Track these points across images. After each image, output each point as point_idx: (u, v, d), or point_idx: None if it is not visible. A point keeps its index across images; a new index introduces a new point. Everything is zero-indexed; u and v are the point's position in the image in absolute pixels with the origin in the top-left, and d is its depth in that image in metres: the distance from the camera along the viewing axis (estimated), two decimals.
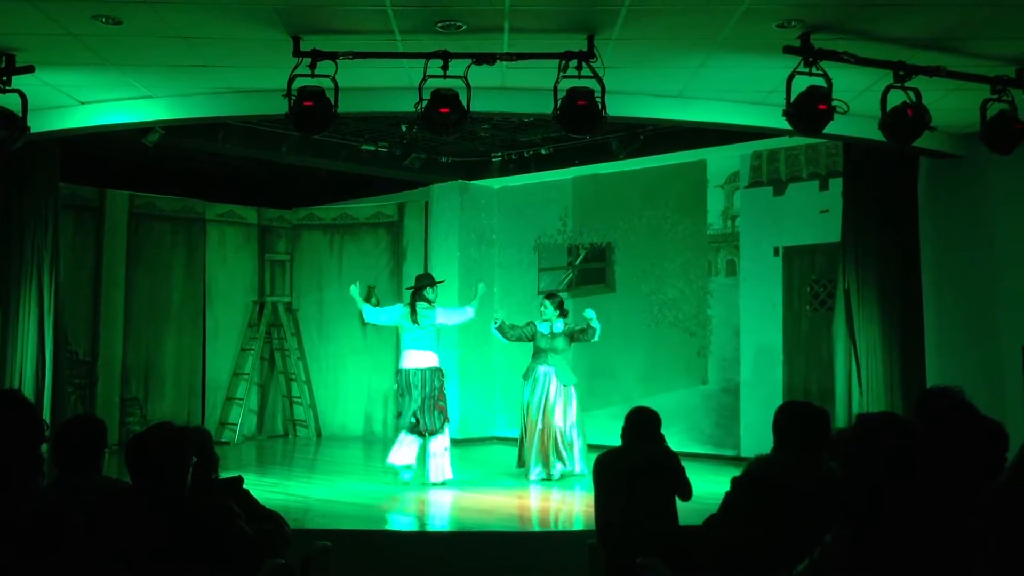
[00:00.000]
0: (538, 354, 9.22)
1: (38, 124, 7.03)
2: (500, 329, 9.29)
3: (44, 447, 3.62)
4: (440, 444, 8.69)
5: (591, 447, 9.09)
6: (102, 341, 10.95)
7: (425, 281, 8.89)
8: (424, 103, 5.88)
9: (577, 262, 11.76)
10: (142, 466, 3.27)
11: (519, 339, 9.30)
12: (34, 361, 7.90)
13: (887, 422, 2.29)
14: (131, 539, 3.16)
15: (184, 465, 3.30)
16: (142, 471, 3.28)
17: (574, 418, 9.15)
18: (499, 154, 11.35)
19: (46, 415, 7.68)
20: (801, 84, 5.85)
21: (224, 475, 4.31)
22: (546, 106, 6.01)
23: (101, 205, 11.11)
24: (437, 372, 8.71)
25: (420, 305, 8.69)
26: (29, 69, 6.24)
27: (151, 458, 3.27)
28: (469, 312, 9.02)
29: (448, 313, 9.01)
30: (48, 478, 3.78)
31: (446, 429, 8.74)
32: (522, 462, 9.21)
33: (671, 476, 5.15)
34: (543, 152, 10.95)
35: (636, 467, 5.10)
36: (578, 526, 7.19)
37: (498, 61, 5.88)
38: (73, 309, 10.09)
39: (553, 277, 11.93)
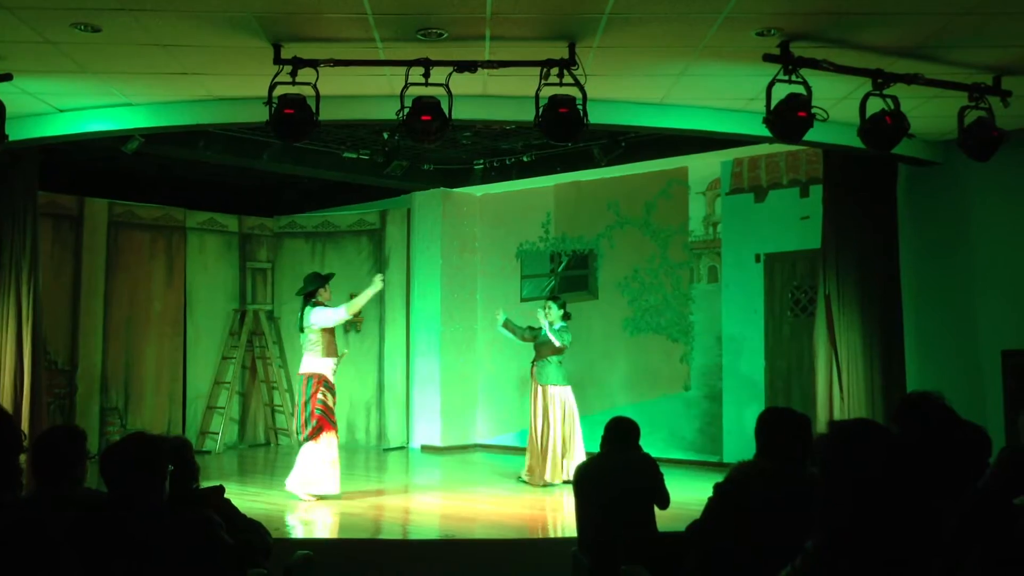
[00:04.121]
0: (535, 353, 9.46)
1: (16, 132, 7.00)
2: (507, 327, 9.56)
3: (22, 458, 3.60)
4: (305, 456, 8.22)
5: None
6: (81, 350, 10.87)
7: (315, 283, 8.52)
8: (406, 111, 5.88)
9: (560, 269, 11.77)
10: (117, 476, 3.24)
11: (531, 339, 9.49)
12: (12, 371, 7.83)
13: (860, 430, 2.30)
14: (109, 550, 3.13)
15: (160, 474, 3.27)
16: (117, 481, 3.24)
17: (556, 422, 9.16)
18: (481, 161, 11.36)
19: (24, 425, 7.60)
20: (781, 92, 5.89)
21: (205, 484, 4.28)
22: (528, 114, 6.02)
23: (80, 213, 11.03)
24: (311, 378, 8.27)
25: (307, 308, 8.39)
26: (7, 77, 6.21)
27: (125, 468, 3.24)
28: (342, 312, 8.39)
29: (321, 313, 8.37)
30: (26, 489, 3.75)
31: (322, 441, 8.18)
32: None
33: (650, 484, 5.16)
34: (525, 159, 10.96)
35: (616, 475, 5.11)
36: (561, 533, 7.19)
37: (480, 69, 5.89)
38: (52, 318, 10.01)
39: (536, 284, 11.94)
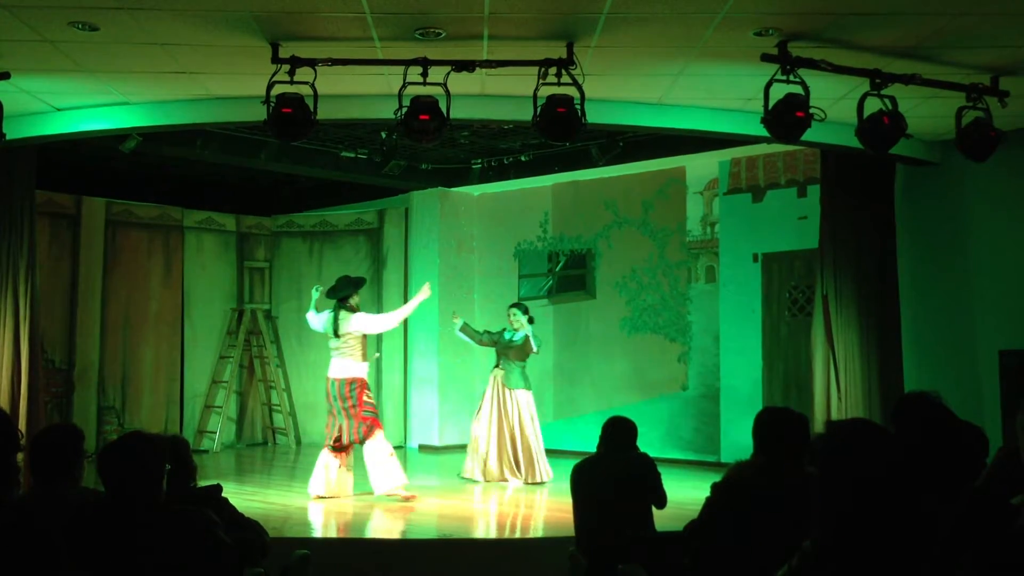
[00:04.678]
0: (496, 357, 9.50)
1: (14, 131, 6.98)
2: (465, 331, 9.54)
3: (20, 456, 3.59)
4: (375, 453, 8.19)
5: (571, 454, 9.12)
6: (79, 349, 10.86)
7: (349, 287, 8.47)
8: (404, 110, 5.88)
9: (557, 269, 11.77)
10: (114, 475, 3.24)
11: (490, 343, 9.52)
12: (10, 370, 7.81)
13: (857, 429, 2.30)
14: (106, 550, 3.13)
15: (157, 473, 3.27)
16: (114, 480, 3.24)
17: (529, 425, 9.24)
18: (479, 161, 11.36)
19: (22, 424, 7.60)
20: (779, 92, 5.89)
21: (203, 483, 4.28)
22: (526, 113, 6.02)
23: (78, 212, 11.02)
24: (352, 383, 8.22)
25: (342, 312, 8.32)
26: (5, 75, 6.21)
27: (123, 467, 3.23)
28: (391, 320, 8.61)
29: (366, 319, 8.44)
30: (24, 487, 3.74)
31: (377, 436, 8.20)
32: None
33: (648, 484, 5.16)
34: (523, 159, 10.96)
35: (614, 475, 5.11)
36: (558, 533, 7.18)
37: (478, 68, 5.88)
38: (49, 317, 10.00)
39: (533, 284, 11.94)
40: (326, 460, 8.30)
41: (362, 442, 8.19)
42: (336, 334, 8.29)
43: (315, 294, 8.76)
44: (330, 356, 8.41)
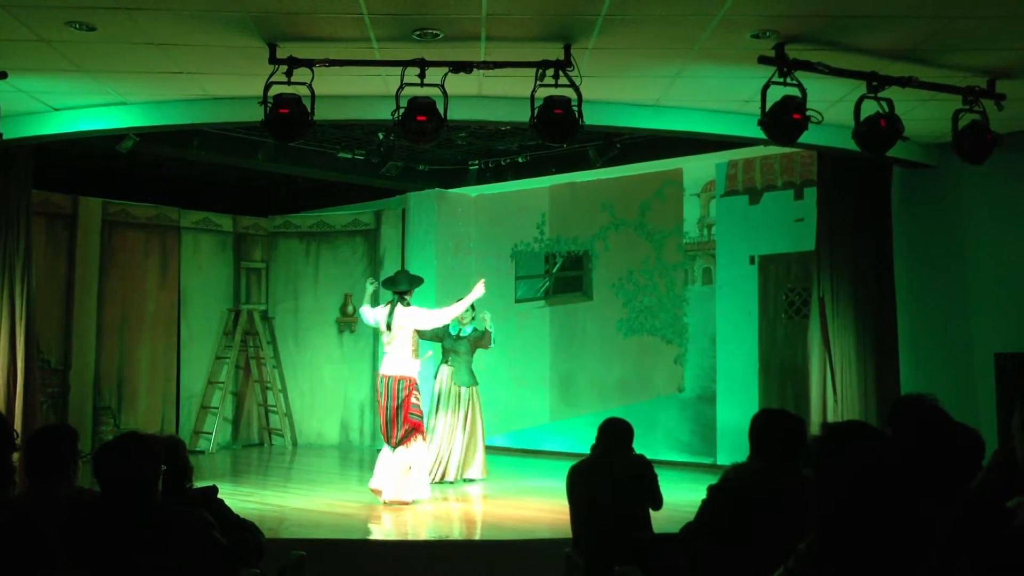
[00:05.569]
0: (443, 354, 9.44)
1: (11, 130, 6.98)
2: None
3: (15, 456, 3.59)
4: (400, 463, 8.08)
5: (568, 455, 9.11)
6: (75, 349, 10.85)
7: (406, 282, 8.37)
8: (401, 111, 5.88)
9: (554, 270, 11.77)
10: (109, 476, 3.23)
11: (432, 337, 9.34)
12: (5, 370, 7.80)
13: (854, 432, 2.30)
14: (102, 550, 3.13)
15: (152, 474, 3.26)
16: (110, 481, 3.23)
17: (472, 423, 9.29)
18: (476, 162, 11.37)
19: (17, 424, 7.58)
20: (776, 94, 5.89)
21: (198, 484, 4.27)
22: (523, 114, 6.02)
23: (74, 212, 11.01)
24: (401, 380, 8.07)
25: (398, 305, 8.21)
26: (2, 75, 6.20)
27: (118, 467, 3.23)
28: (446, 315, 8.43)
29: (422, 313, 8.32)
30: (19, 487, 3.74)
31: (413, 445, 8.10)
32: None
33: (644, 485, 5.17)
34: (520, 160, 10.97)
35: (610, 476, 5.11)
36: (555, 534, 7.18)
37: (475, 70, 5.88)
38: (45, 317, 9.99)
39: (530, 285, 11.94)
40: (385, 455, 8.23)
41: (398, 445, 8.09)
42: (388, 328, 8.16)
43: (369, 287, 8.66)
44: (382, 354, 8.34)
